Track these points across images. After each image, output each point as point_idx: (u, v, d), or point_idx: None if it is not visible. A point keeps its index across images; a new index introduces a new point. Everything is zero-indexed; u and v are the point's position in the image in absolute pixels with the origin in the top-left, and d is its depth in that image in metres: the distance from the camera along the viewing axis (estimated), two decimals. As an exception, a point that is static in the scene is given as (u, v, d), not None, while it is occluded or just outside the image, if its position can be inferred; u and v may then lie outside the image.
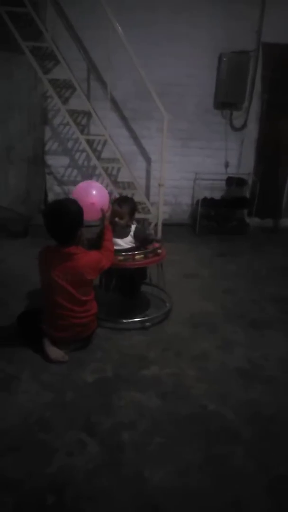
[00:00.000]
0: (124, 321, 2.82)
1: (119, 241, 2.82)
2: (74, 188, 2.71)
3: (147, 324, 2.81)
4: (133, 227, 2.89)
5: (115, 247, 2.73)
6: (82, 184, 2.76)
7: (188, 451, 1.81)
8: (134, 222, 2.96)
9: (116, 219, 2.79)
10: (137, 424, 1.95)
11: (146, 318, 2.86)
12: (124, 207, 2.80)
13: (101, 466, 1.71)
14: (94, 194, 2.59)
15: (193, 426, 1.96)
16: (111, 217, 2.74)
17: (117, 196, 2.94)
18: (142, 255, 2.72)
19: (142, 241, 2.87)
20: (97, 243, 2.58)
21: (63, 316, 2.37)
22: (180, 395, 2.17)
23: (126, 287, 2.99)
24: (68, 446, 1.80)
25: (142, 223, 4.63)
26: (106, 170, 4.56)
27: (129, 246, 2.84)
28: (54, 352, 2.38)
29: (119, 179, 4.90)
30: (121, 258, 2.67)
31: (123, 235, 2.85)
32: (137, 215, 4.35)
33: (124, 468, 1.72)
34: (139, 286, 3.03)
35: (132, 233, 2.87)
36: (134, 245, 2.86)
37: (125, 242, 2.85)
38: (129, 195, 4.53)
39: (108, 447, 1.81)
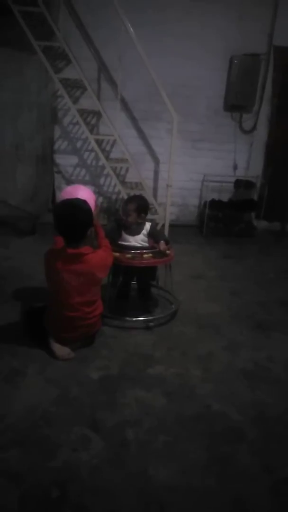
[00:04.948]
0: (128, 319, 2.81)
1: (129, 238, 2.81)
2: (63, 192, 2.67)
3: (151, 324, 2.80)
4: (147, 225, 2.84)
5: (124, 243, 2.73)
6: (69, 188, 2.75)
7: (193, 450, 1.81)
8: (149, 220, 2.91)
9: (124, 217, 2.78)
10: (141, 422, 1.94)
11: (150, 318, 2.85)
12: (130, 205, 2.77)
13: (106, 462, 1.71)
14: (81, 195, 2.53)
15: (197, 426, 1.95)
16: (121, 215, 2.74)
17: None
18: (150, 254, 2.69)
19: (154, 238, 2.84)
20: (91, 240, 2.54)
21: (74, 318, 2.36)
22: (185, 394, 2.17)
23: (140, 286, 2.99)
24: (73, 442, 1.80)
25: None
26: (114, 170, 4.57)
27: (140, 245, 2.80)
28: (60, 349, 2.38)
29: (127, 179, 4.92)
30: (129, 256, 2.65)
31: (134, 233, 2.83)
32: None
33: (128, 464, 1.71)
34: (148, 285, 3.01)
35: (145, 231, 2.83)
36: (147, 244, 2.82)
37: (136, 240, 2.82)
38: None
39: (113, 443, 1.81)
